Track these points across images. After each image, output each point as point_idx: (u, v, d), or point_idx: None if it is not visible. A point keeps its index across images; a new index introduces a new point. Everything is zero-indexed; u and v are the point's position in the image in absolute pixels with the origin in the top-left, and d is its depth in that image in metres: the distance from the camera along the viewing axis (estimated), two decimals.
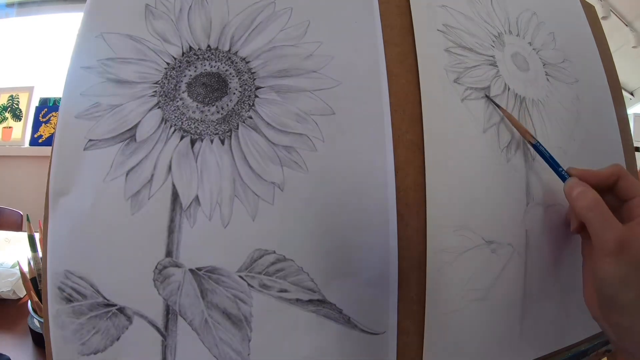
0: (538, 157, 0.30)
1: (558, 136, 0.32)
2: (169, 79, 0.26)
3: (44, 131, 1.62)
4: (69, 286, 0.24)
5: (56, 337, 0.24)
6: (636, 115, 2.17)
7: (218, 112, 0.26)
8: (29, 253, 0.48)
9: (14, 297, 0.53)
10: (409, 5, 0.29)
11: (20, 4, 1.76)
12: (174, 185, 0.24)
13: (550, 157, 0.27)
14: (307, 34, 0.27)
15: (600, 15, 0.64)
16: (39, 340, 0.44)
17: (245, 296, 0.24)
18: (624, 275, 0.21)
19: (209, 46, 0.27)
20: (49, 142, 1.59)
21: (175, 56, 0.27)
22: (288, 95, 0.26)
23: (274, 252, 0.24)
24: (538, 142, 0.28)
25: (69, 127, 0.25)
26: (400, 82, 0.27)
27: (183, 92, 0.26)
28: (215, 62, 0.27)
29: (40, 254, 0.47)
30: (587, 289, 0.25)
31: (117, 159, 0.25)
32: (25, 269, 0.47)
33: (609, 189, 0.25)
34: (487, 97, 0.28)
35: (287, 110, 0.26)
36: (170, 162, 0.25)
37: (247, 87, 0.26)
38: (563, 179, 0.26)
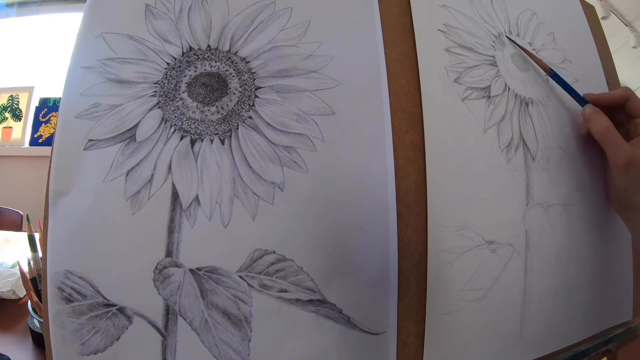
0: (538, 157, 0.30)
1: (558, 136, 0.32)
2: (169, 79, 0.26)
3: (44, 131, 1.62)
4: (69, 286, 0.24)
5: (56, 337, 0.24)
6: None
7: (218, 112, 0.26)
8: (29, 253, 0.48)
9: (14, 297, 0.53)
10: (409, 5, 0.29)
11: (20, 4, 1.76)
12: (173, 185, 0.24)
13: (568, 85, 0.31)
14: (307, 34, 0.27)
15: (600, 15, 0.64)
16: (39, 340, 0.44)
17: (245, 296, 0.24)
18: (633, 184, 0.28)
19: (209, 46, 0.27)
20: (49, 142, 1.59)
21: (175, 56, 0.27)
22: (288, 95, 0.26)
23: (274, 252, 0.24)
24: (553, 71, 0.32)
25: (69, 127, 0.25)
26: (400, 82, 0.27)
27: (183, 92, 0.26)
28: (215, 62, 0.27)
29: (40, 254, 0.47)
30: (610, 190, 0.32)
31: (117, 159, 0.25)
32: (25, 269, 0.47)
33: (620, 108, 0.30)
34: (508, 38, 0.31)
35: (287, 110, 0.26)
36: (170, 162, 0.25)
37: (247, 87, 0.26)
38: (582, 103, 0.31)
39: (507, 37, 0.31)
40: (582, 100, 0.31)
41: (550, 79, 0.32)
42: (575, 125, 0.33)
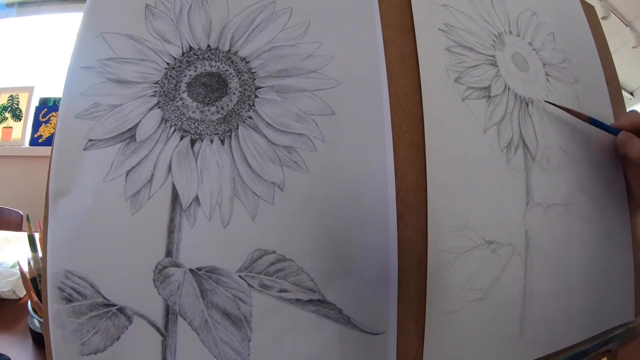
0: (538, 157, 0.30)
1: (558, 136, 0.32)
2: (169, 79, 0.26)
3: (44, 131, 1.62)
4: (69, 286, 0.24)
5: (56, 337, 0.24)
6: None
7: (218, 112, 0.26)
8: (29, 253, 0.48)
9: (14, 297, 0.53)
10: (410, 5, 0.29)
11: (20, 4, 1.76)
12: (173, 185, 0.24)
13: (604, 124, 0.32)
14: (307, 34, 0.27)
15: (600, 15, 0.64)
16: (39, 340, 0.44)
17: (245, 296, 0.24)
18: None
19: (209, 46, 0.27)
20: (49, 142, 1.59)
21: (175, 56, 0.27)
22: (288, 95, 0.26)
23: (274, 252, 0.24)
24: (591, 118, 0.33)
25: (69, 127, 0.25)
26: (400, 82, 0.27)
27: (183, 92, 0.26)
28: (215, 62, 0.27)
29: (40, 254, 0.47)
30: (636, 196, 0.34)
31: (117, 159, 0.25)
32: (25, 269, 0.47)
33: None
34: (547, 101, 0.32)
35: (287, 110, 0.26)
36: (170, 162, 0.25)
37: (247, 87, 0.26)
38: (615, 133, 0.32)
39: (545, 101, 0.32)
40: (614, 130, 0.32)
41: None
42: (575, 125, 0.33)
